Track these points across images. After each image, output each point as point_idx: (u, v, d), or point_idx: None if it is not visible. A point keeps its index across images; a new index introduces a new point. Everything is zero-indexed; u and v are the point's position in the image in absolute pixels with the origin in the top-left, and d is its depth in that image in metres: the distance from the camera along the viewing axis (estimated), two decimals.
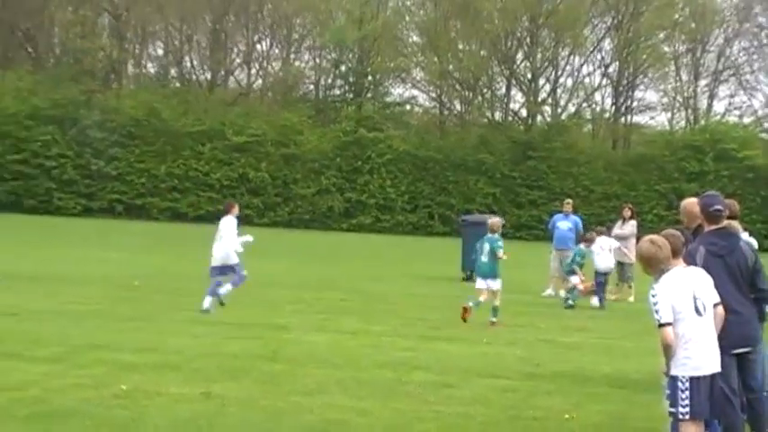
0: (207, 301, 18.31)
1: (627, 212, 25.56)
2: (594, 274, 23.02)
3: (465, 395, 11.31)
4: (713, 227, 9.11)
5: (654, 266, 7.92)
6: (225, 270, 19.02)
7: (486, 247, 18.70)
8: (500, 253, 18.55)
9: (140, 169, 63.50)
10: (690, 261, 8.27)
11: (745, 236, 10.39)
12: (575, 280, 23.23)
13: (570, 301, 22.57)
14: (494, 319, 18.17)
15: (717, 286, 8.06)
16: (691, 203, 9.98)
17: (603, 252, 23.07)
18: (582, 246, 24.04)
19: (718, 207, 9.15)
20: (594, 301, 22.98)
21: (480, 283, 18.70)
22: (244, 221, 62.57)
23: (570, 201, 27.84)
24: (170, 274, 25.66)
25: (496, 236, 18.77)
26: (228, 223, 19.03)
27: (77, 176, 62.58)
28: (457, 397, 11.20)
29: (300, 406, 10.31)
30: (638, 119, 75.64)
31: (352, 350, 14.20)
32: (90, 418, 9.37)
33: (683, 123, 74.42)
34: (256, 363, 12.70)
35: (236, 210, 19.34)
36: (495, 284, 18.56)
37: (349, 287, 23.90)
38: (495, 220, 19.63)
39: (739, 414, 8.63)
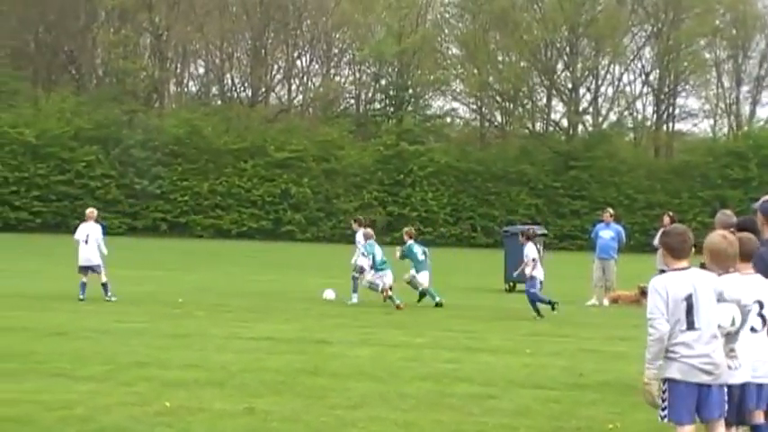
0: None
1: (666, 220, 25.24)
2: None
3: (508, 407, 11.28)
4: None
5: (719, 262, 7.72)
6: None
7: None
8: None
9: (183, 187, 63.93)
10: (761, 266, 8.07)
11: None
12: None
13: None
14: None
15: None
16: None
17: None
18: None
19: None
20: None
21: None
22: (285, 237, 62.72)
23: (610, 210, 27.71)
24: (213, 290, 25.78)
25: None
26: None
27: (122, 196, 63.13)
28: (500, 409, 11.16)
29: (344, 420, 10.31)
30: (680, 126, 75.43)
31: (395, 363, 14.19)
32: None
33: (725, 130, 73.97)
34: (299, 377, 12.72)
35: None
36: None
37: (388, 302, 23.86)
38: None
39: None
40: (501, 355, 15.27)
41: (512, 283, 28.64)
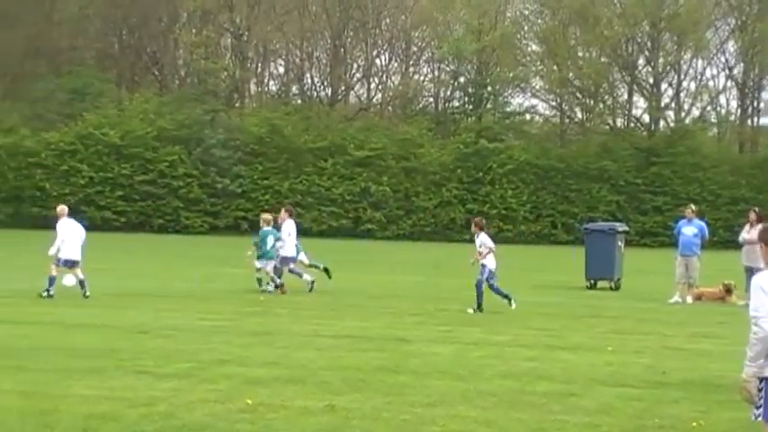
0: None
1: (753, 216, 24.80)
2: None
3: (590, 405, 11.18)
4: None
5: None
6: None
7: None
8: None
9: (264, 186, 64.37)
10: None
11: None
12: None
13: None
14: None
15: None
16: None
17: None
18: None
19: None
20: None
21: None
22: (365, 235, 63.16)
23: (692, 206, 27.31)
24: (293, 288, 25.91)
25: None
26: None
27: (203, 195, 63.79)
28: (581, 406, 11.08)
29: (424, 418, 10.31)
30: (765, 121, 73.93)
31: (475, 361, 14.16)
32: None
33: None
34: (379, 375, 12.75)
35: None
36: None
37: (471, 298, 23.80)
38: None
39: None
40: (582, 353, 15.16)
41: (593, 281, 28.42)
